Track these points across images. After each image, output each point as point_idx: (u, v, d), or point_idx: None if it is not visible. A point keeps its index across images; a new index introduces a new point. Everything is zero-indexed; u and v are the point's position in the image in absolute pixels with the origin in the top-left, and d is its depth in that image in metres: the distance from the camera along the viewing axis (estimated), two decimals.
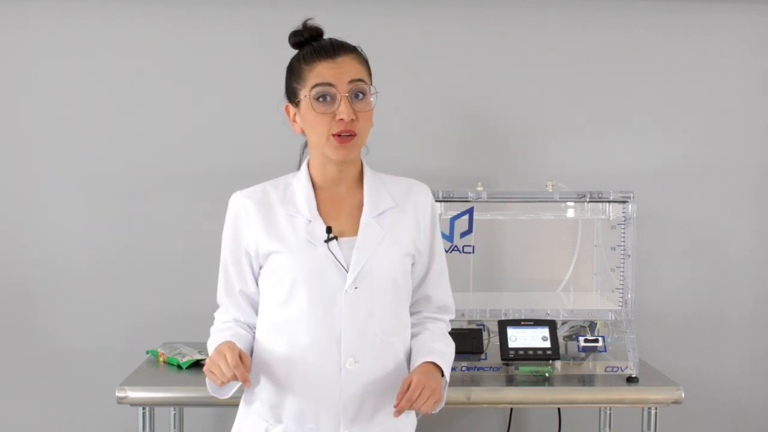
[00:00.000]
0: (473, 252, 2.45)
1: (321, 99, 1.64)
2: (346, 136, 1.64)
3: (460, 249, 2.43)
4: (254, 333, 1.77)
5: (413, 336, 1.78)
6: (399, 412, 1.60)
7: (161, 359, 2.54)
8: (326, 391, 1.65)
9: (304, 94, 1.66)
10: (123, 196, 2.84)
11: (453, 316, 1.88)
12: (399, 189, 1.78)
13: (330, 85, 1.63)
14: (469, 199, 2.40)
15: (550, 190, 2.54)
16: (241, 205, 1.74)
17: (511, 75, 2.90)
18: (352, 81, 1.64)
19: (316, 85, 1.64)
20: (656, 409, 2.33)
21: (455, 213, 2.42)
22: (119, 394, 2.25)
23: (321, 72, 1.64)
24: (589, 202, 2.48)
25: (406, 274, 1.75)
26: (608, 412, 2.73)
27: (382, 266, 1.68)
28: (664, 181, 2.92)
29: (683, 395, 2.31)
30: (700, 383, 2.87)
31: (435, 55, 2.87)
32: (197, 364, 2.44)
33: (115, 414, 2.61)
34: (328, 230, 1.67)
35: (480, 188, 2.50)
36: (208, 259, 2.07)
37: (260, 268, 1.74)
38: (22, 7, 2.80)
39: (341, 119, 1.62)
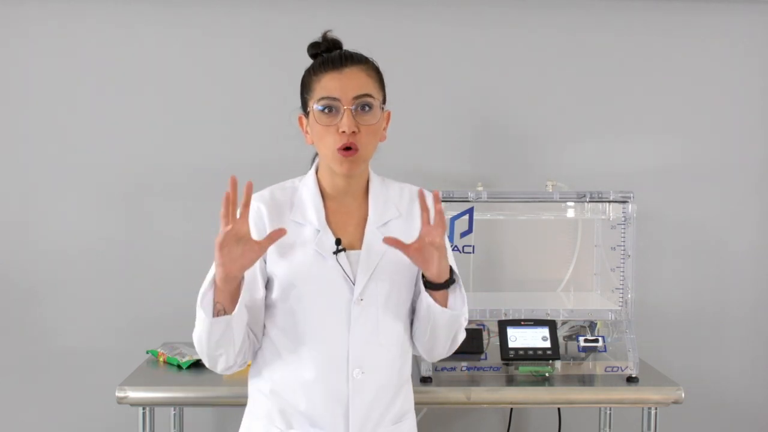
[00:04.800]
0: (473, 252, 2.45)
1: (326, 110, 1.62)
2: (348, 150, 1.62)
3: (460, 249, 2.44)
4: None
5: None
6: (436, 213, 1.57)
7: (161, 359, 2.54)
8: (335, 400, 1.65)
9: (311, 105, 1.65)
10: (123, 196, 2.84)
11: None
12: (403, 197, 1.76)
13: (334, 99, 1.62)
14: (469, 199, 2.40)
15: (550, 190, 2.55)
16: (253, 208, 1.66)
17: (511, 75, 2.90)
18: (357, 96, 1.62)
19: (322, 98, 1.63)
20: (656, 409, 2.33)
21: (455, 213, 2.41)
22: (119, 394, 2.25)
23: (327, 84, 1.63)
24: (589, 202, 2.48)
25: (410, 285, 1.73)
26: (608, 412, 2.74)
27: (386, 277, 1.67)
28: (664, 181, 2.92)
29: (683, 395, 2.31)
30: (700, 383, 2.87)
31: (435, 55, 2.87)
32: (197, 364, 2.44)
33: (115, 414, 2.61)
34: (338, 242, 1.65)
35: (480, 188, 2.50)
36: (208, 260, 2.06)
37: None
38: (22, 8, 2.80)
39: (343, 132, 1.60)
